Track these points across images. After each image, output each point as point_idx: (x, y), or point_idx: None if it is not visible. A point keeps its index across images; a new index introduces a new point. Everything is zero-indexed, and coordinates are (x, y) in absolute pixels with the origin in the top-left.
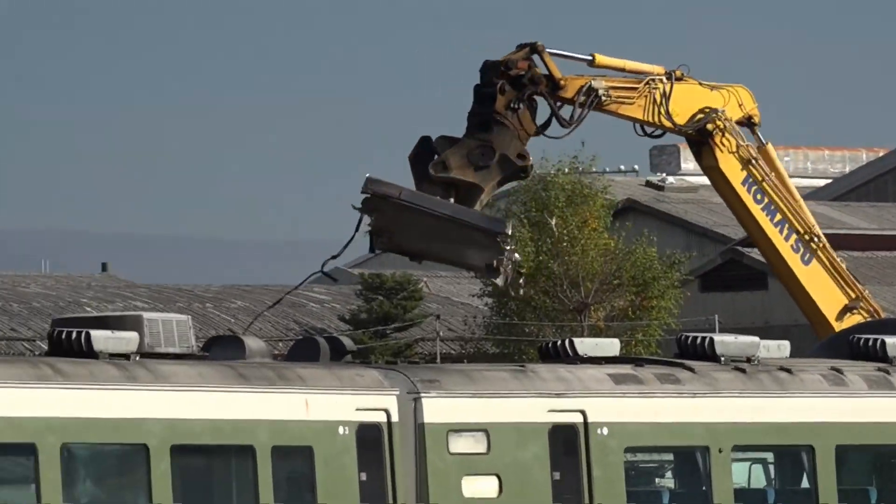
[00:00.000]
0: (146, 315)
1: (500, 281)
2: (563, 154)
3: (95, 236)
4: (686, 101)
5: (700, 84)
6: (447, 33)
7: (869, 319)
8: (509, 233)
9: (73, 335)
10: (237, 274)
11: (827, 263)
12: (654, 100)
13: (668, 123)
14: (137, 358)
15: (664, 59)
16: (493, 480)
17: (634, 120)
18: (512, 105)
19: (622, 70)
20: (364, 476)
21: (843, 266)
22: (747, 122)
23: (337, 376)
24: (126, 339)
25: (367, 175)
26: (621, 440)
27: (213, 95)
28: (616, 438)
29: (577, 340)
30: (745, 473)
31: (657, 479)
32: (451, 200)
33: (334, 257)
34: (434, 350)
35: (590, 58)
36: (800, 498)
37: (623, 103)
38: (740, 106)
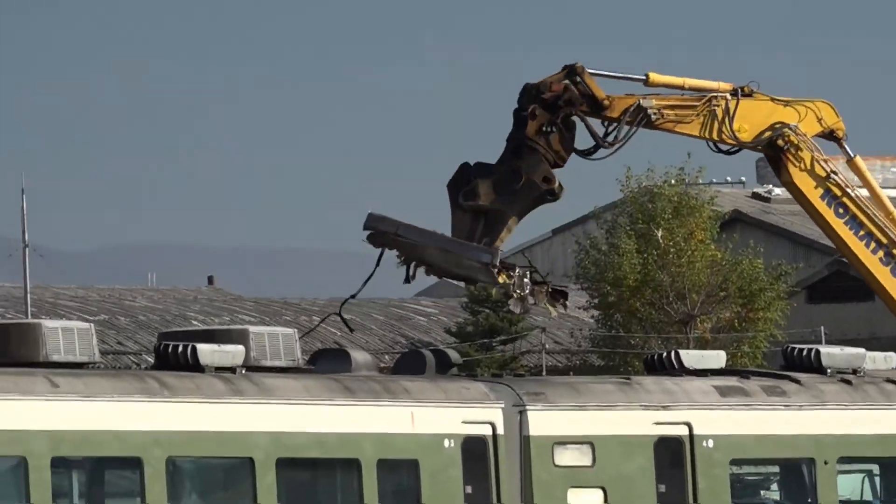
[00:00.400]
0: (252, 329)
1: (514, 307)
2: (669, 166)
3: (202, 250)
4: (754, 116)
5: (772, 99)
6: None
7: None
8: (496, 262)
9: (180, 349)
10: (344, 287)
11: None
12: (716, 117)
13: (730, 140)
14: (243, 371)
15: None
16: (599, 493)
17: (692, 137)
18: (544, 129)
19: (681, 88)
20: (469, 489)
21: None
22: (831, 137)
23: (443, 389)
24: (232, 353)
25: (369, 212)
26: (727, 452)
27: (323, 100)
28: (722, 451)
29: (682, 352)
30: (850, 486)
31: (762, 492)
32: (480, 227)
33: (353, 297)
34: (540, 362)
35: (643, 77)
36: None
37: (680, 121)
38: (820, 121)
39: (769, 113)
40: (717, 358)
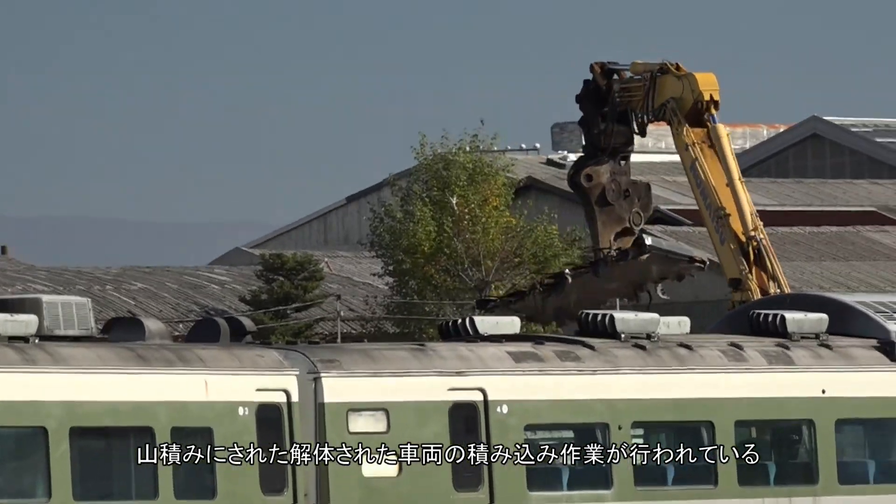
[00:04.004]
0: (45, 298)
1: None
2: (463, 132)
3: None
4: (662, 92)
5: (675, 74)
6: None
7: (764, 297)
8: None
9: None
10: (136, 256)
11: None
12: (645, 94)
13: (648, 115)
14: (37, 341)
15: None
16: (393, 459)
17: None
18: (594, 130)
19: (647, 71)
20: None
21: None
22: (700, 106)
23: (237, 357)
24: (25, 322)
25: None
26: (521, 417)
27: (129, 77)
28: (516, 416)
29: (477, 319)
30: (645, 450)
31: (557, 456)
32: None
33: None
34: (335, 330)
35: (627, 66)
36: (700, 473)
37: (633, 101)
38: (692, 92)
39: (668, 88)
40: (511, 324)
